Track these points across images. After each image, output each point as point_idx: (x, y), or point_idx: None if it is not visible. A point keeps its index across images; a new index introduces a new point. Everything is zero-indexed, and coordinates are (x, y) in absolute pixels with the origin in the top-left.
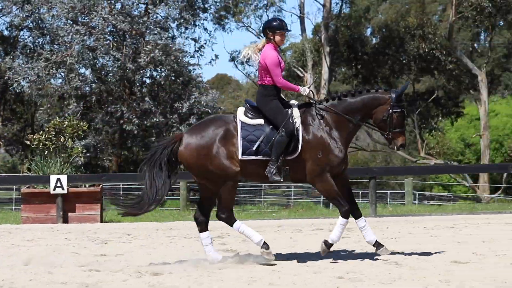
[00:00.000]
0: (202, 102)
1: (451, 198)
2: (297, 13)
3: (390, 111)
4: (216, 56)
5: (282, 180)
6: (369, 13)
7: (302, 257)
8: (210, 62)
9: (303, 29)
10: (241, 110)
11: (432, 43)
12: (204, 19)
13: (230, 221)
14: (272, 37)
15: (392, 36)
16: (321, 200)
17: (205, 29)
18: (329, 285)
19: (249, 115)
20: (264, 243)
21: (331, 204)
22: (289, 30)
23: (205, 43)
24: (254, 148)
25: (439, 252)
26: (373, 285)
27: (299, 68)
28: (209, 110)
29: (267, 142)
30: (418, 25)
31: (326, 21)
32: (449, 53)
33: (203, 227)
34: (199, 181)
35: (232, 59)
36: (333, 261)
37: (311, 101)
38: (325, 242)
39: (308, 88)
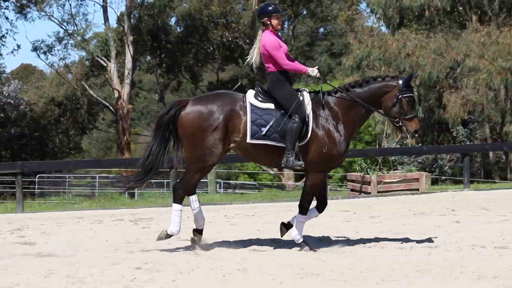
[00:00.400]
0: (4, 92)
1: (256, 187)
2: (100, 2)
3: (399, 96)
4: (18, 46)
5: (303, 165)
6: (173, 2)
7: (101, 248)
8: (12, 52)
9: (106, 18)
10: (251, 93)
11: (235, 32)
12: (5, 8)
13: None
14: (268, 22)
15: (195, 25)
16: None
17: (7, 18)
18: (126, 276)
19: (260, 98)
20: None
21: (135, 194)
22: (284, 12)
23: (7, 33)
24: (263, 133)
25: (238, 241)
26: (171, 274)
27: (103, 58)
28: (11, 101)
29: (276, 127)
30: (222, 13)
31: (129, 10)
32: (253, 42)
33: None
34: (186, 150)
35: (35, 48)
36: (132, 252)
37: (321, 87)
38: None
39: (317, 69)
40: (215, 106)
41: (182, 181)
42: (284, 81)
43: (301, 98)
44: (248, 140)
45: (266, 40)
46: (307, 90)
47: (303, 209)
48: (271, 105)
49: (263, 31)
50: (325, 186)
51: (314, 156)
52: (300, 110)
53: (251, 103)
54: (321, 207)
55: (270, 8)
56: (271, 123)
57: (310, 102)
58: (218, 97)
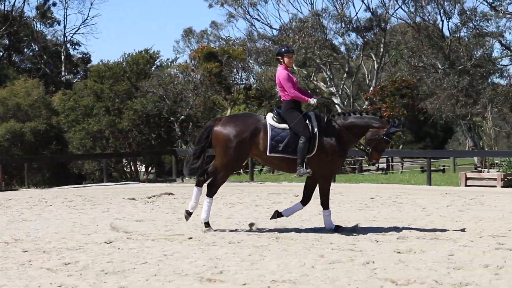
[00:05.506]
0: None
1: None
2: None
3: (382, 136)
4: None
5: (311, 172)
6: None
7: None
8: None
9: None
10: (270, 115)
11: None
12: None
13: (202, 187)
14: (282, 60)
15: None
16: None
17: None
18: None
19: (276, 120)
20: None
21: None
22: (293, 52)
23: None
24: (280, 148)
25: None
26: None
27: None
28: None
29: (290, 143)
30: None
31: None
32: None
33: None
34: (218, 157)
35: None
36: None
37: (324, 110)
38: (336, 229)
39: (315, 99)
40: (245, 122)
41: (215, 181)
42: (292, 109)
43: (307, 120)
44: (268, 153)
45: (279, 73)
46: (314, 114)
47: (326, 206)
48: (286, 126)
49: (278, 67)
50: (314, 188)
51: (321, 163)
52: (305, 131)
53: (270, 124)
54: (305, 202)
55: (283, 49)
56: (286, 140)
57: (317, 124)
58: (246, 117)
